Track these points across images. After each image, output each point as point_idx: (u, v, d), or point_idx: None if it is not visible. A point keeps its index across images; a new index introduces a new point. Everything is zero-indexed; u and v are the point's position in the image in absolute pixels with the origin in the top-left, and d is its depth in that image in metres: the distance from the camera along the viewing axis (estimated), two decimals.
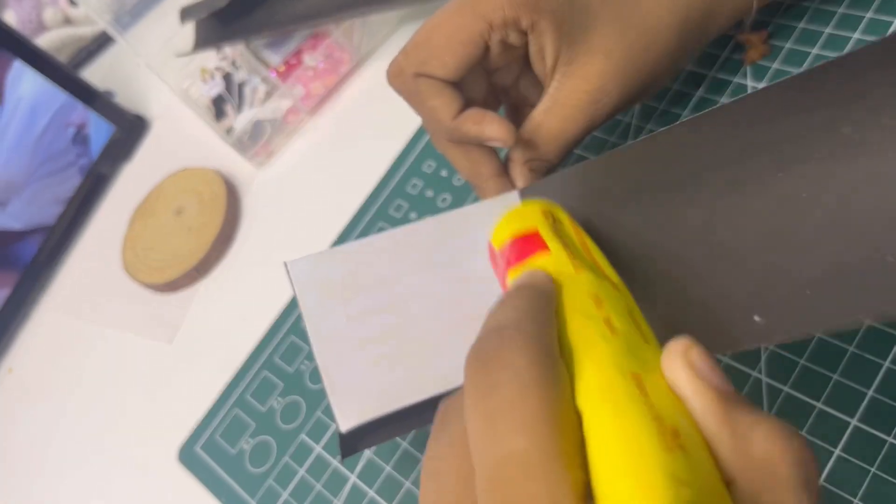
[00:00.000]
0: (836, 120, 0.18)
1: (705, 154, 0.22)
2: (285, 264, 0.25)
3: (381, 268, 0.26)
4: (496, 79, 0.29)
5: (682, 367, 0.15)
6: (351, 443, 0.24)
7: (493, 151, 0.28)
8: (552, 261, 0.20)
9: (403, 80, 0.27)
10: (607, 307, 0.18)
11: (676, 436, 0.14)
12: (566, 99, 0.26)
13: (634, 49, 0.26)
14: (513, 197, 0.27)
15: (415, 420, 0.25)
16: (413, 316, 0.25)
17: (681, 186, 0.22)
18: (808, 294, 0.18)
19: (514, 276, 0.21)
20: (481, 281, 0.26)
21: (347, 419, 0.24)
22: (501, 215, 0.27)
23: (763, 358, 0.25)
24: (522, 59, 0.28)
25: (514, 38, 0.26)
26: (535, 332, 0.16)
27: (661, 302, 0.23)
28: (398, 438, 0.30)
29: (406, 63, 0.26)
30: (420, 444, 0.29)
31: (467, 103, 0.27)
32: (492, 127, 0.26)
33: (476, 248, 0.27)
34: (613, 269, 0.21)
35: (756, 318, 0.19)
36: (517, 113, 0.30)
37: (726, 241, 0.21)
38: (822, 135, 0.19)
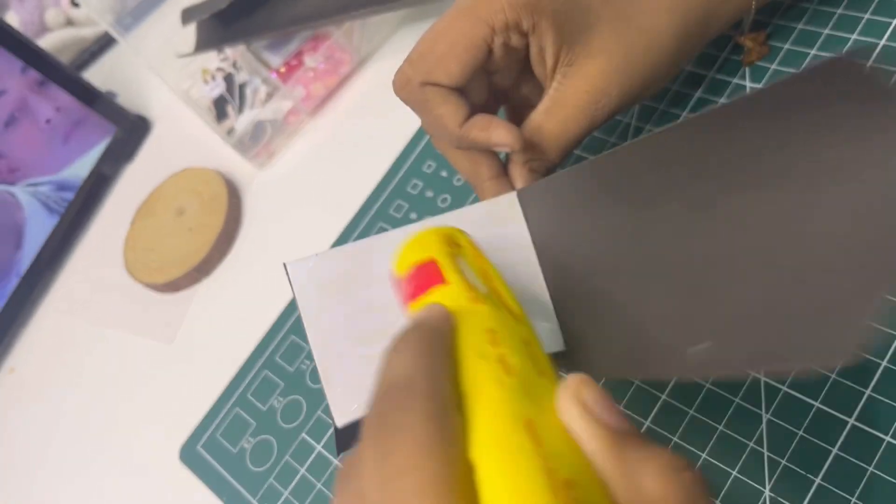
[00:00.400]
0: (808, 131, 0.17)
1: (693, 163, 0.21)
2: (284, 265, 0.25)
3: (380, 269, 0.26)
4: (495, 80, 0.29)
5: (574, 406, 0.15)
6: (347, 438, 0.24)
7: (494, 153, 0.28)
8: (449, 293, 0.20)
9: (410, 90, 0.27)
10: (503, 342, 0.17)
11: (569, 487, 0.14)
12: (566, 99, 0.27)
13: (634, 50, 0.26)
14: (511, 197, 0.28)
15: None
16: None
17: (651, 200, 0.22)
18: (763, 327, 0.17)
19: (414, 310, 0.21)
20: None
21: (343, 414, 0.24)
22: (500, 214, 0.27)
23: None
24: (522, 60, 0.28)
25: (515, 40, 0.26)
26: (428, 388, 0.16)
27: (630, 316, 0.22)
28: None
29: (412, 73, 0.26)
30: None
31: (471, 108, 0.27)
32: (499, 133, 0.26)
33: None
34: (514, 295, 0.21)
35: (704, 344, 0.18)
36: (516, 114, 0.30)
37: (690, 255, 0.20)
38: (801, 151, 0.17)
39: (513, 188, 0.28)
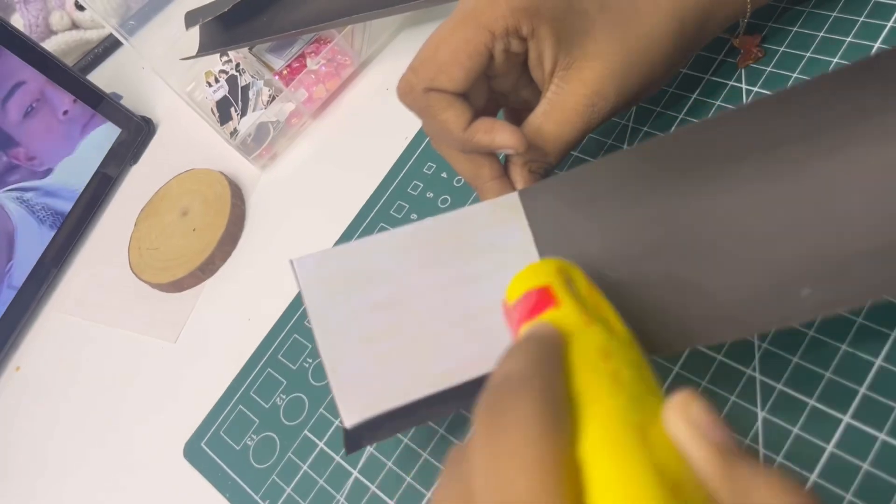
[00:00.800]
0: (871, 108, 0.19)
1: (733, 146, 0.22)
2: (291, 262, 0.25)
3: (385, 266, 0.26)
4: (495, 84, 0.29)
5: (682, 422, 0.15)
6: (355, 438, 0.25)
7: (494, 154, 0.29)
8: (562, 314, 0.20)
9: (414, 96, 0.27)
10: (615, 361, 0.18)
11: (678, 489, 0.14)
12: (564, 103, 0.27)
13: (631, 54, 0.26)
14: (513, 198, 0.28)
15: (417, 417, 0.25)
16: (416, 313, 0.26)
17: (704, 177, 0.23)
18: (857, 266, 0.19)
19: (525, 330, 0.22)
20: (483, 280, 0.27)
21: (351, 415, 0.24)
22: (502, 214, 0.28)
23: (757, 356, 0.26)
24: (521, 64, 0.29)
25: (515, 45, 0.26)
26: (541, 383, 0.16)
27: (685, 291, 0.23)
28: (400, 434, 0.30)
29: (416, 80, 0.27)
30: (422, 439, 0.30)
31: (473, 112, 0.27)
32: (503, 135, 0.26)
33: (477, 248, 0.27)
34: (624, 324, 0.21)
35: (805, 290, 0.20)
36: (514, 116, 0.31)
37: (761, 224, 0.22)
38: (860, 123, 0.20)
39: (514, 189, 0.28)
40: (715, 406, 0.16)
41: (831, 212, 0.21)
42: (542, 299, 0.21)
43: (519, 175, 0.28)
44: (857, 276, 0.20)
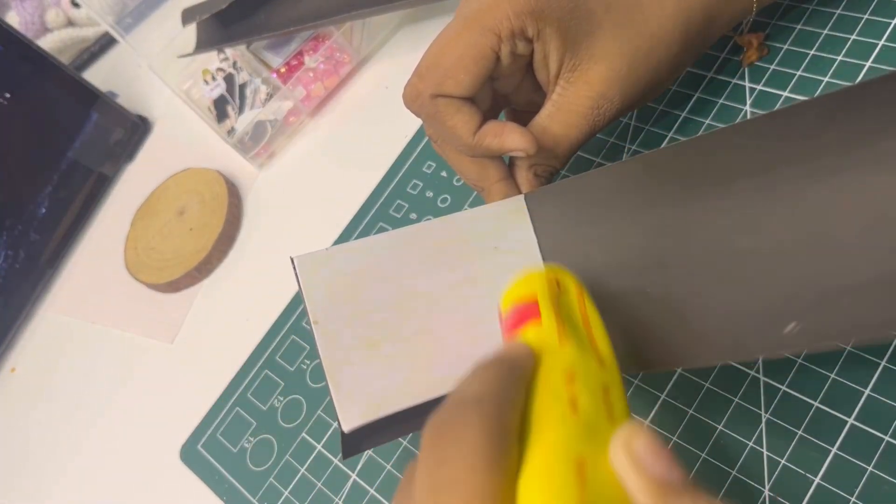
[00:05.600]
0: (875, 132, 0.19)
1: (732, 162, 0.22)
2: (292, 259, 0.25)
3: (387, 267, 0.26)
4: (498, 86, 0.29)
5: (624, 455, 0.16)
6: (353, 443, 0.24)
7: (500, 157, 0.28)
8: (540, 331, 0.20)
9: (422, 102, 0.27)
10: (579, 384, 0.18)
11: None
12: (570, 105, 0.27)
13: (637, 55, 0.26)
14: (518, 201, 0.28)
15: (417, 422, 0.25)
16: (417, 316, 0.25)
17: (703, 194, 0.23)
18: (848, 301, 0.19)
19: (502, 347, 0.22)
20: (485, 283, 0.26)
21: (350, 419, 0.24)
22: (507, 217, 0.27)
23: (761, 357, 0.26)
24: (525, 66, 0.28)
25: (521, 47, 0.26)
26: (493, 411, 0.16)
27: (678, 310, 0.23)
28: (399, 437, 0.30)
29: (422, 85, 0.26)
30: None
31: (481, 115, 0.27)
32: (513, 138, 0.26)
33: (480, 251, 0.27)
34: (609, 343, 0.21)
35: (792, 324, 0.19)
36: (517, 118, 0.30)
37: (756, 246, 0.21)
38: (860, 147, 0.19)
39: (519, 191, 0.28)
40: (664, 440, 0.16)
41: (825, 239, 0.20)
42: (526, 312, 0.21)
43: (524, 178, 0.28)
44: (846, 310, 0.19)
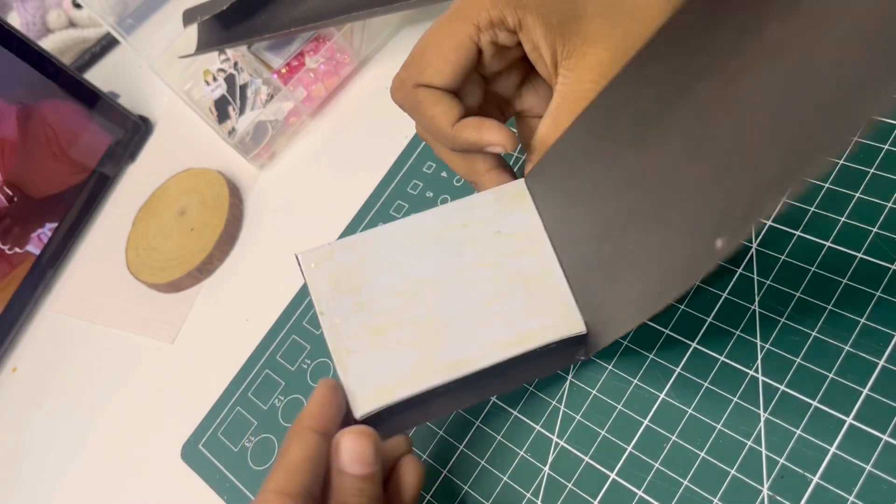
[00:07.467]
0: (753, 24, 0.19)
1: (659, 95, 0.23)
2: (296, 256, 0.25)
3: (391, 256, 0.26)
4: (496, 89, 0.29)
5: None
6: None
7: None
8: None
9: (404, 92, 0.27)
10: None
11: None
12: (574, 92, 0.27)
13: (630, 36, 0.26)
14: (519, 184, 0.28)
15: (429, 410, 0.25)
16: (423, 302, 0.26)
17: (643, 135, 0.23)
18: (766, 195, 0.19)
19: None
20: (488, 268, 0.27)
21: (361, 405, 0.24)
22: (508, 202, 0.28)
23: (759, 356, 0.26)
24: (523, 67, 0.28)
25: (504, 38, 0.26)
26: None
27: (650, 257, 0.23)
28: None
29: (405, 76, 0.27)
30: (424, 441, 0.30)
31: (465, 111, 0.27)
32: (491, 132, 0.26)
33: (482, 236, 0.27)
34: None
35: (720, 241, 0.20)
36: (526, 127, 0.31)
37: (684, 176, 0.22)
38: (749, 40, 0.20)
39: (512, 178, 0.28)
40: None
41: (741, 145, 0.20)
42: None
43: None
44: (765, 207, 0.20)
